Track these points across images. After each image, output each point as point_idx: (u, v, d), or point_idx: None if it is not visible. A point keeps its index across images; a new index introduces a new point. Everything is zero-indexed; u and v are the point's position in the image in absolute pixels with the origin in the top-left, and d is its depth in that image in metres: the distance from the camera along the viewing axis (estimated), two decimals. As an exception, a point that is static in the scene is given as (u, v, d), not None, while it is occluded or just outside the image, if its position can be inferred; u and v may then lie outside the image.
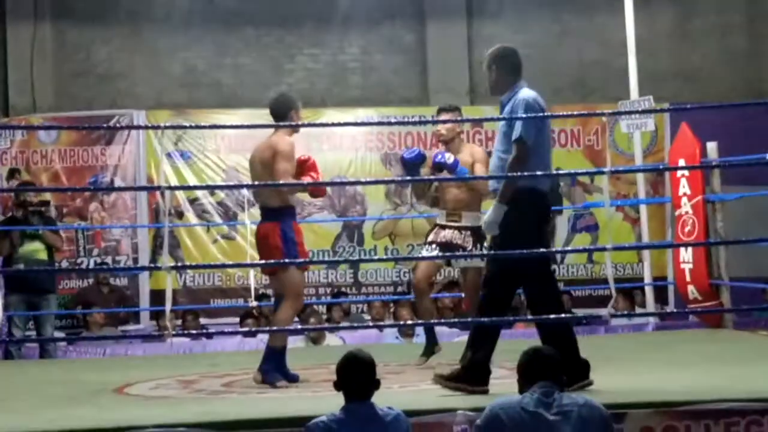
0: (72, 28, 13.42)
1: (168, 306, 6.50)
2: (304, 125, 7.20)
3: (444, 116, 7.39)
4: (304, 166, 6.80)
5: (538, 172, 5.71)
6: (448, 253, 7.27)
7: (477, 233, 7.15)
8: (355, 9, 13.08)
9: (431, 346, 7.38)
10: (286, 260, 6.31)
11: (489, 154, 6.92)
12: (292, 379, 6.51)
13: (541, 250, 5.86)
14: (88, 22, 13.36)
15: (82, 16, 13.32)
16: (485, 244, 7.08)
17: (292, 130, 6.77)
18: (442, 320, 9.70)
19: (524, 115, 5.72)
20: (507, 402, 4.29)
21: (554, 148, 12.40)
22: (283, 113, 6.72)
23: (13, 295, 9.17)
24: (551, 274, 6.21)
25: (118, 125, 12.17)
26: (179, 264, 11.96)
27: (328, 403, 4.51)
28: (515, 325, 9.70)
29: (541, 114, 5.85)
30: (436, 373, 6.03)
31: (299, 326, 6.68)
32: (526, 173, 5.67)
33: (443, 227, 7.34)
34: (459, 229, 7.27)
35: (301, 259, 6.62)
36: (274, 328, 6.66)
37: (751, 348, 7.92)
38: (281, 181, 6.61)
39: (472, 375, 5.72)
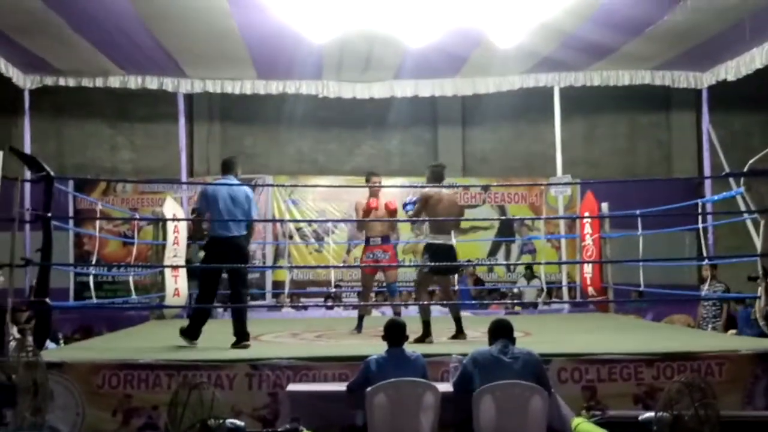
0: (231, 127, 13.64)
1: (286, 290, 6.65)
2: (366, 186, 7.27)
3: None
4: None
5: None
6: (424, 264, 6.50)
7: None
8: (396, 119, 13.14)
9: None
10: (335, 264, 6.07)
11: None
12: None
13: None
14: (240, 123, 13.55)
15: (237, 119, 13.52)
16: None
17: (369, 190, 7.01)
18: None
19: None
20: (481, 350, 4.38)
21: (510, 204, 12.63)
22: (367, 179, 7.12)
23: (192, 281, 9.26)
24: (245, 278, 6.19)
25: (257, 183, 12.31)
26: (291, 265, 12.09)
27: (379, 348, 4.60)
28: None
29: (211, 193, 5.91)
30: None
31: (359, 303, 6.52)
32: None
33: None
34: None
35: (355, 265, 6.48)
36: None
37: (625, 324, 7.94)
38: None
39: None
